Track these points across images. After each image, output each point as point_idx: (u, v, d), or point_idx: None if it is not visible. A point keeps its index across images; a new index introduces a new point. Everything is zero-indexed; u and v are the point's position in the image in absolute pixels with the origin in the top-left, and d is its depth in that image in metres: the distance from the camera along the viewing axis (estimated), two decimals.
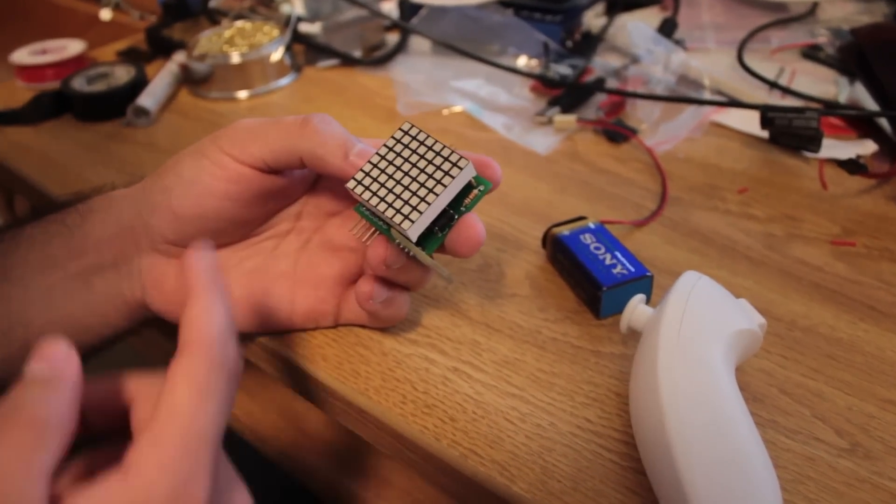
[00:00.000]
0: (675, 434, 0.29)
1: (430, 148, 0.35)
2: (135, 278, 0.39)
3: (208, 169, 0.36)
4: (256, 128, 0.36)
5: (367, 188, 0.34)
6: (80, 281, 0.39)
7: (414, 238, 0.34)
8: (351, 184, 0.35)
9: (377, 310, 0.38)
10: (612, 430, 0.35)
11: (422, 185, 0.34)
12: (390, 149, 0.35)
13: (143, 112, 0.65)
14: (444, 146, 0.35)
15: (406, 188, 0.34)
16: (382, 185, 0.34)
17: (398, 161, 0.35)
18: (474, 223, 0.35)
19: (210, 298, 0.29)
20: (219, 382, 0.27)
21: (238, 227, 0.39)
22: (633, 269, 0.41)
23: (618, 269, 0.40)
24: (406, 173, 0.34)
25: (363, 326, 0.41)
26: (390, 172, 0.35)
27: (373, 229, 0.36)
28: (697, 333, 0.33)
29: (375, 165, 0.35)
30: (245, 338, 0.41)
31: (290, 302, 0.39)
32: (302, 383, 0.40)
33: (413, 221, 0.34)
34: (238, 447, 0.60)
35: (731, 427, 0.30)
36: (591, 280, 0.40)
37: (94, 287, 0.39)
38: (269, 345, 0.41)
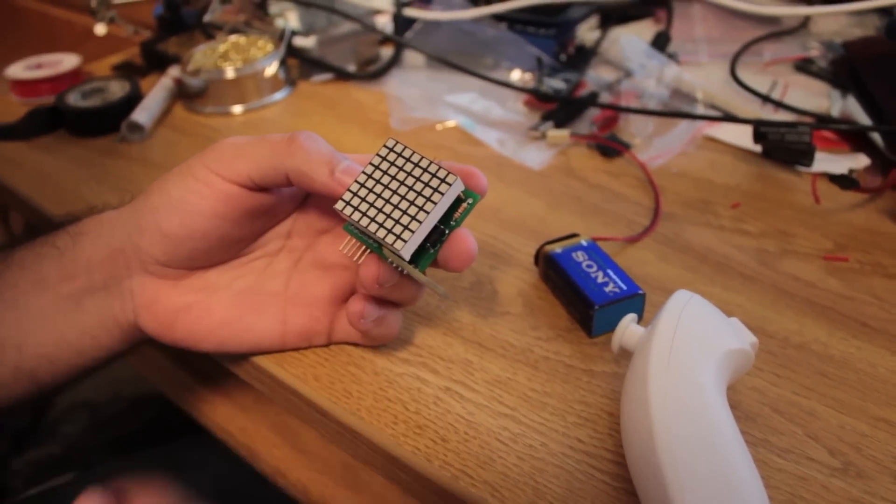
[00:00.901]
0: (665, 455, 0.29)
1: (416, 164, 0.35)
2: (126, 300, 0.39)
3: (195, 188, 0.36)
4: (243, 145, 0.36)
5: (355, 209, 0.34)
6: (72, 303, 0.39)
7: (407, 257, 0.34)
8: (339, 205, 0.35)
9: (369, 328, 0.38)
10: (604, 451, 0.35)
11: (411, 202, 0.34)
12: (376, 167, 0.35)
13: (137, 127, 0.65)
14: (431, 161, 0.35)
15: (396, 207, 0.34)
16: (371, 204, 0.34)
17: (385, 179, 0.35)
18: (466, 237, 0.35)
19: None
20: None
21: (228, 245, 0.38)
22: (625, 287, 0.40)
23: (610, 288, 0.40)
24: (394, 191, 0.34)
25: (356, 345, 0.41)
26: (378, 191, 0.35)
27: (364, 248, 0.36)
28: (689, 354, 0.32)
29: (363, 185, 0.35)
30: (237, 357, 0.41)
31: (283, 322, 0.39)
32: (293, 403, 0.40)
33: (405, 241, 0.34)
34: (231, 463, 0.60)
35: (721, 447, 0.30)
36: (582, 298, 0.40)
37: (86, 309, 0.39)
38: (260, 363, 0.40)
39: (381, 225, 0.34)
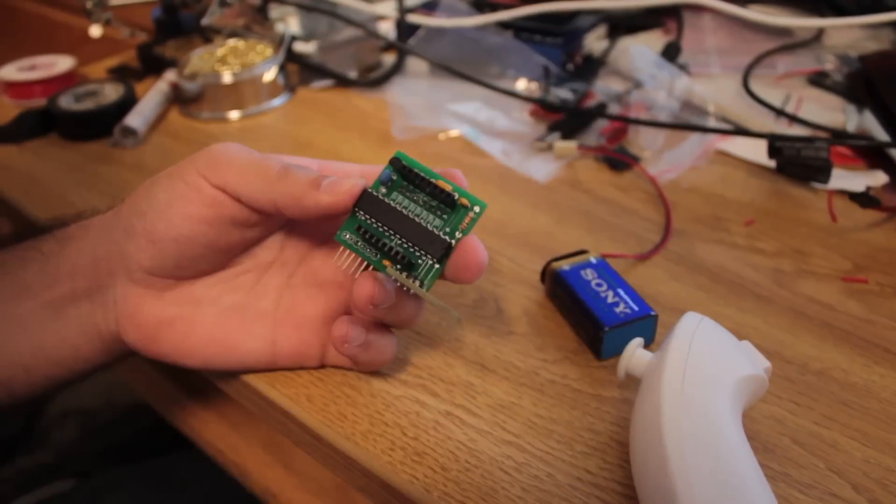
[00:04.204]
0: (682, 490, 0.27)
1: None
2: (109, 309, 0.37)
3: (183, 191, 0.34)
4: (236, 158, 0.34)
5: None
6: (53, 311, 0.37)
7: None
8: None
9: (355, 354, 0.35)
10: (615, 483, 0.33)
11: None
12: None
13: (130, 132, 0.63)
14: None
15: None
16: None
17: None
18: (476, 245, 0.33)
19: None
20: None
21: (216, 253, 0.36)
22: (636, 308, 0.38)
23: (620, 308, 0.38)
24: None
25: (351, 368, 0.39)
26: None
27: (360, 261, 0.34)
28: (703, 382, 0.30)
29: None
30: (225, 375, 0.39)
31: (272, 343, 0.37)
32: (285, 425, 0.38)
33: None
34: (221, 482, 0.58)
35: (743, 484, 0.28)
36: (592, 319, 0.38)
37: (67, 318, 0.37)
38: (250, 382, 0.38)
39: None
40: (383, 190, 0.34)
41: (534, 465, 0.33)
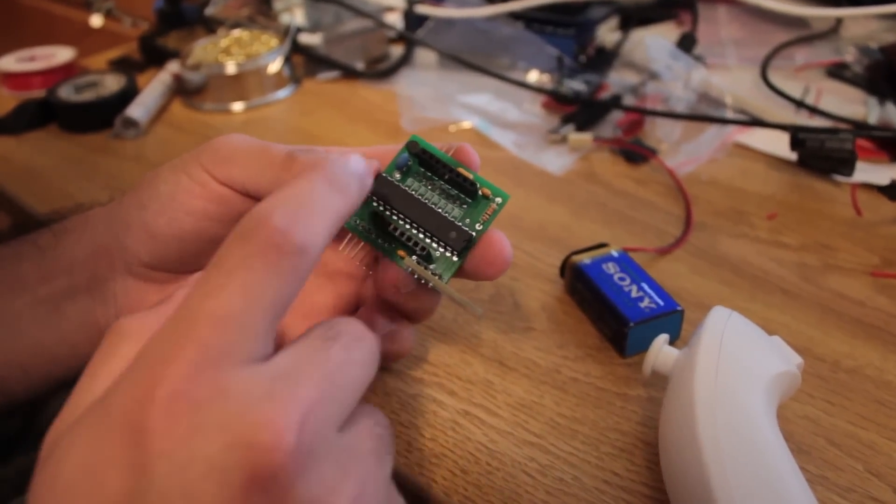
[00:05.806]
0: (720, 489, 0.26)
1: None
2: (109, 303, 0.35)
3: (186, 186, 0.32)
4: (241, 149, 0.32)
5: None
6: (51, 306, 0.35)
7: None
8: None
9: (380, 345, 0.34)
10: (643, 486, 0.31)
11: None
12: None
13: (132, 123, 0.62)
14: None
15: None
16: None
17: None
18: (500, 239, 0.31)
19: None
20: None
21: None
22: (661, 303, 0.37)
23: (645, 303, 0.37)
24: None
25: None
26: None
27: (370, 250, 0.33)
28: (736, 379, 0.29)
29: None
30: None
31: (279, 335, 0.35)
32: None
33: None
34: None
35: (782, 481, 0.26)
36: (615, 315, 0.36)
37: (66, 313, 0.35)
38: None
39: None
40: (398, 175, 0.33)
41: (558, 467, 0.32)
